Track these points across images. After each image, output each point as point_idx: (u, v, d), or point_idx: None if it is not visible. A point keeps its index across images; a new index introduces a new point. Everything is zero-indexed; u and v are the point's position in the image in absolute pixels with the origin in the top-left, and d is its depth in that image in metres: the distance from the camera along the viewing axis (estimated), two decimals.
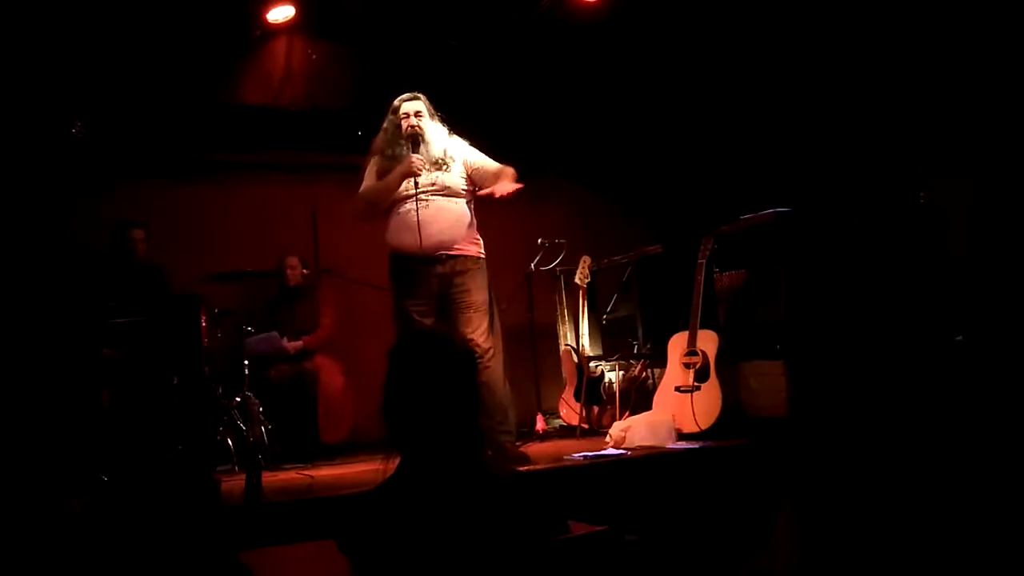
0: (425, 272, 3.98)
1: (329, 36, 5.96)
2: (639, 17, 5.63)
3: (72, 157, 5.44)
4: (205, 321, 4.66)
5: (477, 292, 4.03)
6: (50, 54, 5.10)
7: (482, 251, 4.14)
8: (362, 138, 5.93)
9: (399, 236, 4.02)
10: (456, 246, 4.01)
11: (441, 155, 4.04)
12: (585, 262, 5.43)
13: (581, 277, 5.39)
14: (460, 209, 4.04)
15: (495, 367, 4.01)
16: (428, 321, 4.01)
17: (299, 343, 5.44)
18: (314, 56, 5.95)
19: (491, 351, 4.01)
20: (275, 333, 5.36)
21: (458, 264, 4.01)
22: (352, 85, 6.07)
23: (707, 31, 5.72)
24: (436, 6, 5.74)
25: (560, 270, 5.71)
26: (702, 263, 4.53)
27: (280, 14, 5.61)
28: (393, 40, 6.00)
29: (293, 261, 5.64)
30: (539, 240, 5.53)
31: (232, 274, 5.11)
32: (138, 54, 5.31)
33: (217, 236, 5.78)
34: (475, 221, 4.13)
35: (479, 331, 3.99)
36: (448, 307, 4.03)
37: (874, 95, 5.40)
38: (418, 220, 3.89)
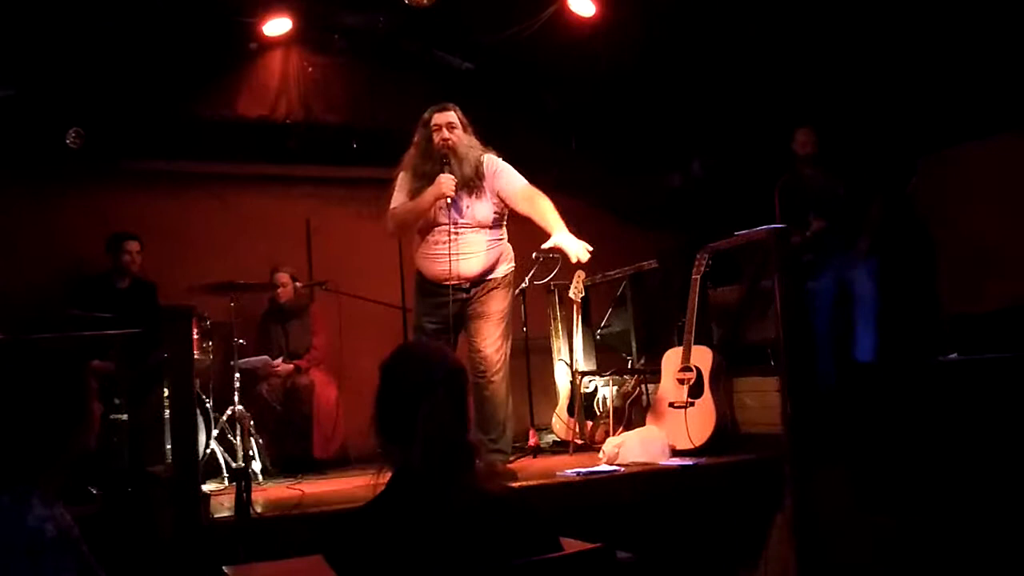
0: (448, 296, 3.94)
1: (326, 49, 5.97)
2: (634, 31, 5.64)
3: (67, 167, 5.43)
4: (197, 333, 4.63)
5: (493, 302, 3.99)
6: (47, 64, 5.10)
7: (510, 266, 4.11)
8: (357, 151, 5.96)
9: (428, 266, 4.00)
10: (483, 276, 3.99)
11: (473, 173, 3.94)
12: (579, 277, 5.42)
13: (575, 292, 5.38)
14: (491, 239, 4.00)
15: (499, 382, 3.95)
16: (443, 337, 3.96)
17: (290, 367, 5.39)
18: (310, 69, 5.95)
19: (498, 365, 3.95)
20: (266, 358, 5.33)
21: (483, 289, 4.00)
22: (348, 98, 6.08)
23: (703, 42, 5.74)
24: (432, 20, 5.76)
25: (554, 285, 5.70)
26: (696, 278, 4.53)
27: (277, 27, 5.61)
28: (390, 53, 6.01)
29: (284, 278, 5.57)
30: (533, 255, 5.52)
31: (224, 286, 5.09)
32: (134, 65, 5.31)
33: (211, 248, 5.77)
34: (505, 236, 4.10)
35: (489, 341, 3.94)
36: (463, 318, 4.00)
37: (867, 113, 5.43)
38: (450, 255, 3.87)
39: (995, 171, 4.98)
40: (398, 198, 4.06)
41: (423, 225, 4.00)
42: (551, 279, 5.64)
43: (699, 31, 5.66)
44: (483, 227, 3.97)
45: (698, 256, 4.61)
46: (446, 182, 3.85)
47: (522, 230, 4.16)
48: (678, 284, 4.84)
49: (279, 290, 5.55)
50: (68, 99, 5.29)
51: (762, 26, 5.46)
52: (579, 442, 5.05)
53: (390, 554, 1.55)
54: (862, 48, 5.31)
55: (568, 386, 5.48)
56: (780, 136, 5.58)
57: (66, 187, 5.53)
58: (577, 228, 6.54)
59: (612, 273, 5.70)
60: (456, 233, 3.89)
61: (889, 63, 5.26)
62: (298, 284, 5.65)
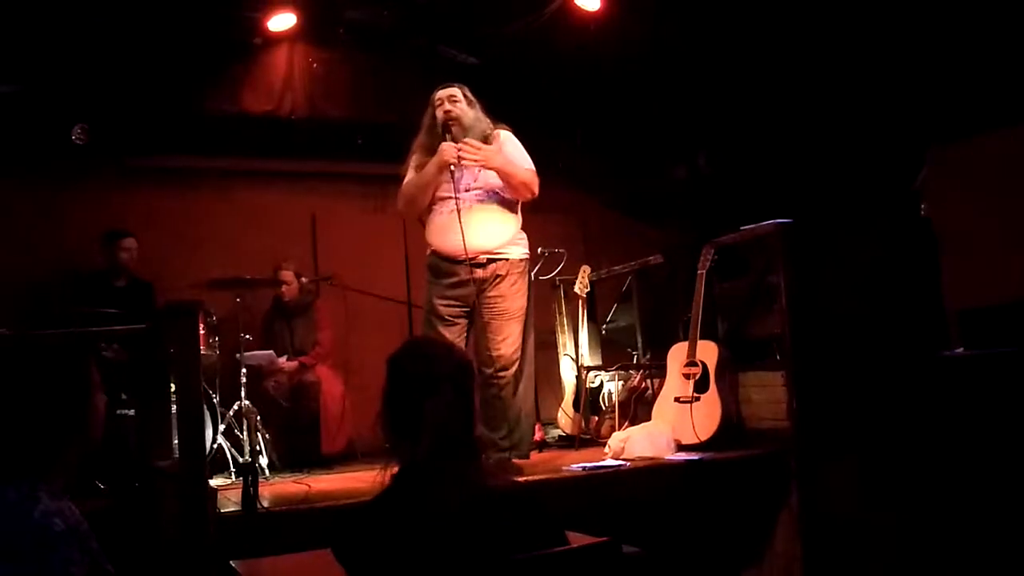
0: (463, 274, 3.87)
1: (330, 44, 5.96)
2: (639, 24, 5.63)
3: (72, 163, 5.44)
4: (203, 329, 4.63)
5: (512, 298, 3.93)
6: (52, 60, 5.10)
7: (526, 251, 4.05)
8: (362, 146, 5.95)
9: (439, 238, 3.94)
10: (498, 249, 3.92)
11: (481, 142, 3.88)
12: (585, 272, 5.42)
13: (581, 287, 5.38)
14: (504, 211, 3.94)
15: (511, 381, 3.91)
16: (460, 322, 3.93)
17: (295, 364, 5.37)
18: (315, 64, 5.95)
19: (514, 362, 3.91)
20: (271, 353, 5.32)
21: (499, 268, 3.91)
22: (353, 94, 6.07)
23: (708, 35, 5.72)
24: (437, 15, 5.75)
25: (560, 280, 5.70)
26: (702, 273, 4.52)
27: (281, 22, 5.61)
28: (395, 48, 6.00)
29: (288, 276, 5.51)
30: (539, 249, 5.51)
31: (230, 281, 5.09)
32: (139, 60, 5.31)
33: (216, 243, 5.77)
34: (520, 219, 4.05)
35: (507, 340, 3.90)
36: (480, 311, 3.91)
37: (875, 108, 5.41)
38: (460, 223, 3.79)
39: (1003, 164, 4.93)
40: (408, 177, 4.05)
41: (434, 199, 3.95)
42: (556, 274, 5.64)
43: (705, 24, 5.64)
44: (496, 194, 3.92)
45: (704, 250, 4.60)
46: (447, 148, 3.83)
47: (526, 227, 4.15)
48: (684, 279, 4.83)
49: (283, 288, 5.52)
50: (73, 95, 5.29)
51: (767, 18, 5.44)
52: (585, 437, 5.06)
53: (397, 548, 1.55)
54: (866, 39, 5.28)
55: (574, 381, 5.48)
56: (785, 129, 5.56)
57: (71, 183, 5.54)
58: (583, 222, 6.60)
59: (618, 268, 5.69)
60: (467, 203, 3.85)
61: (894, 53, 5.22)
62: (303, 280, 5.62)
